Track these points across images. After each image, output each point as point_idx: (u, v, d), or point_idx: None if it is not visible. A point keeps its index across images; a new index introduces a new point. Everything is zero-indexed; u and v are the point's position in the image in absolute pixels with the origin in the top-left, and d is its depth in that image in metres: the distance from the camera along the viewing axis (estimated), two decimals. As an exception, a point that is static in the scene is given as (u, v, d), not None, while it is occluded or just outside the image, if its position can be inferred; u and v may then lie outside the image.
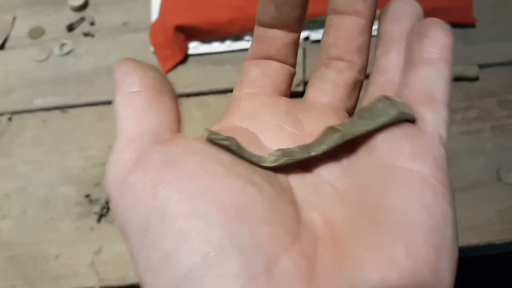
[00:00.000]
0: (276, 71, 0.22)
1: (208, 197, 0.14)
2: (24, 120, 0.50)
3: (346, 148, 0.18)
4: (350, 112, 0.22)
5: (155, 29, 0.53)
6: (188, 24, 0.52)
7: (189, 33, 0.52)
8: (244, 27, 0.52)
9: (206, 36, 0.53)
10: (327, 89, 0.21)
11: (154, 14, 0.55)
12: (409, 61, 0.19)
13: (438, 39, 0.19)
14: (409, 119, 0.18)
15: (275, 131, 0.19)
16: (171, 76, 0.51)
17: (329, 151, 0.18)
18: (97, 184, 0.45)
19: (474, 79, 0.49)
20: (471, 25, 0.52)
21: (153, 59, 0.53)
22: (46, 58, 0.54)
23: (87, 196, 0.45)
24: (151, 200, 0.15)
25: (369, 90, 0.21)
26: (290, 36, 0.21)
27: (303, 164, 0.18)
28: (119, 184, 0.16)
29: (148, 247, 0.14)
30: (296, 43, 0.22)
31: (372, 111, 0.18)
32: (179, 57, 0.52)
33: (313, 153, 0.18)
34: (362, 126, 0.18)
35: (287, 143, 0.19)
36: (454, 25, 0.50)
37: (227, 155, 0.17)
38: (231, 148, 0.17)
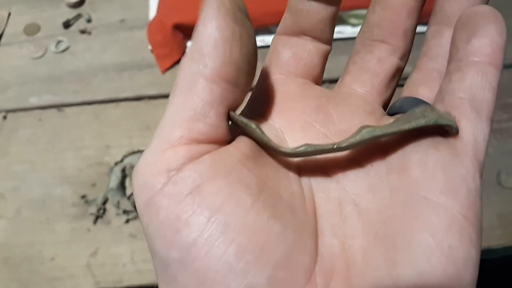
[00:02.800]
0: (309, 53, 0.20)
1: (229, 236, 0.14)
2: (19, 119, 0.50)
3: (375, 158, 0.17)
4: (386, 103, 0.21)
5: (153, 27, 0.53)
6: (186, 22, 0.51)
7: (188, 31, 0.52)
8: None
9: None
10: (366, 79, 0.20)
11: (152, 12, 0.54)
12: (454, 60, 0.18)
13: (488, 40, 0.17)
14: (449, 126, 0.17)
15: (303, 129, 0.18)
16: (169, 75, 0.51)
17: (356, 147, 0.17)
18: (93, 185, 0.45)
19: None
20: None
21: (150, 58, 0.52)
22: (42, 55, 0.54)
23: (83, 196, 0.44)
24: (173, 233, 0.14)
25: (413, 77, 0.20)
26: (328, 10, 0.19)
27: (328, 169, 0.17)
28: (145, 200, 0.15)
29: (170, 278, 0.14)
30: (334, 18, 0.20)
31: (409, 115, 0.17)
32: (177, 56, 0.51)
33: (335, 146, 0.16)
34: (396, 126, 0.17)
35: (314, 143, 0.17)
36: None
37: (256, 177, 0.16)
38: (250, 130, 0.16)
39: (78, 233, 0.43)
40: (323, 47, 0.20)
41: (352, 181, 0.17)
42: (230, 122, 0.16)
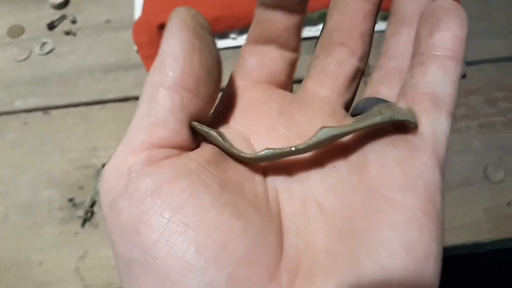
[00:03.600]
0: (274, 60, 0.20)
1: (189, 236, 0.14)
2: (4, 122, 0.49)
3: (337, 159, 0.18)
4: (348, 104, 0.21)
5: (139, 27, 0.52)
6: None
7: (173, 31, 0.51)
8: (230, 25, 0.51)
9: (190, 34, 0.52)
10: (327, 82, 0.20)
11: (137, 12, 0.54)
12: (417, 54, 0.18)
13: (450, 33, 0.17)
14: (405, 121, 0.17)
15: (268, 133, 0.19)
16: (156, 75, 0.50)
17: (315, 148, 0.17)
18: (81, 188, 0.45)
19: (461, 76, 0.49)
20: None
21: (136, 58, 0.52)
22: (26, 57, 0.53)
23: (71, 200, 0.44)
24: (134, 234, 0.14)
25: (374, 77, 0.20)
26: (292, 18, 0.20)
27: (292, 171, 0.18)
28: (109, 203, 0.15)
29: (132, 280, 0.15)
30: (299, 27, 0.20)
31: (366, 114, 0.18)
32: (163, 56, 0.51)
33: (294, 148, 0.17)
34: (353, 126, 0.17)
35: (279, 146, 0.18)
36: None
37: (217, 178, 0.16)
38: (212, 138, 0.17)
39: (66, 236, 0.42)
40: (289, 54, 0.21)
41: (315, 182, 0.18)
42: (194, 133, 0.17)
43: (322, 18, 0.51)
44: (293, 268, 0.15)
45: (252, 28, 0.20)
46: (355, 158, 0.18)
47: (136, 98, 0.49)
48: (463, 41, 0.17)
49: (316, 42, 0.21)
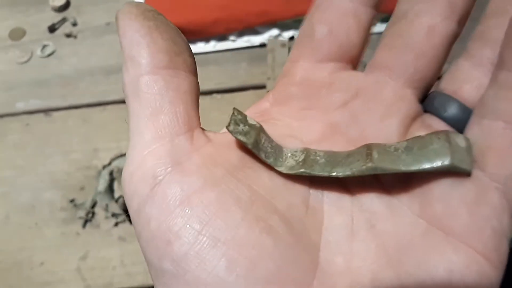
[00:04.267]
0: (348, 28, 0.17)
1: (220, 250, 0.14)
2: (6, 124, 0.50)
3: (398, 180, 0.16)
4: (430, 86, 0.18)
5: (139, 29, 0.53)
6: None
7: (173, 33, 0.52)
8: (229, 27, 0.51)
9: (190, 36, 0.52)
10: (408, 62, 0.17)
11: (138, 14, 0.54)
12: (508, 66, 0.15)
13: None
14: (461, 173, 0.15)
15: (324, 130, 0.17)
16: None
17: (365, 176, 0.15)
18: (82, 188, 0.45)
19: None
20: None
21: (137, 60, 0.52)
22: (28, 60, 0.53)
23: (72, 200, 0.44)
24: (164, 244, 0.14)
25: (460, 64, 0.17)
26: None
27: (345, 181, 0.16)
28: (136, 208, 0.15)
29: (163, 285, 0.14)
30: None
31: (423, 147, 0.15)
32: (163, 58, 0.51)
33: (333, 174, 0.16)
34: (400, 164, 0.15)
35: (330, 146, 0.17)
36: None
37: (247, 188, 0.15)
38: (247, 146, 0.16)
39: (68, 237, 0.43)
40: (366, 14, 0.18)
41: (370, 197, 0.16)
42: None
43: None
44: (329, 287, 0.14)
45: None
46: (417, 186, 0.16)
47: (137, 100, 0.50)
48: None
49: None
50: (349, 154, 0.16)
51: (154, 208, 0.14)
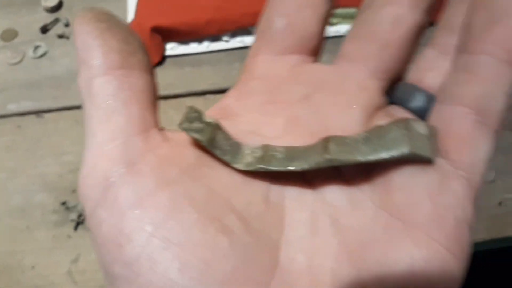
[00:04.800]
0: (308, 19, 0.17)
1: (173, 252, 0.13)
2: (-3, 126, 0.49)
3: (359, 171, 0.16)
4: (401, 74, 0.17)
5: (131, 30, 0.52)
6: (164, 25, 0.51)
7: (166, 34, 0.51)
8: (222, 28, 0.51)
9: (183, 37, 0.52)
10: (371, 54, 0.16)
11: (130, 15, 0.54)
12: (464, 50, 0.15)
13: None
14: (423, 161, 0.15)
15: (286, 124, 0.17)
16: (149, 78, 0.50)
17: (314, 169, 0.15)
18: (74, 191, 0.45)
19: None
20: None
21: (129, 61, 0.52)
22: (20, 61, 0.53)
23: (64, 203, 0.44)
24: (116, 247, 0.14)
25: (426, 54, 0.17)
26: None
27: (307, 175, 0.16)
28: (89, 212, 0.15)
29: None
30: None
31: (381, 136, 0.15)
32: (156, 59, 0.51)
33: (290, 168, 0.15)
34: (358, 155, 0.15)
35: (292, 140, 0.16)
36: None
37: (204, 187, 0.15)
38: (202, 144, 0.15)
39: (59, 240, 0.42)
40: (325, 8, 0.17)
41: (333, 192, 0.16)
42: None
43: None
44: (288, 286, 0.14)
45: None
46: (378, 175, 0.15)
47: (129, 101, 0.49)
48: None
49: None
50: (307, 148, 0.16)
51: (106, 211, 0.14)
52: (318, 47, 0.18)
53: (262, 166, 0.15)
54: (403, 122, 0.15)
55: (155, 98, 0.16)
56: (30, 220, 0.43)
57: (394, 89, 0.18)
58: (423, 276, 0.14)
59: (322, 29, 0.18)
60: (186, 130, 0.15)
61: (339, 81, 0.17)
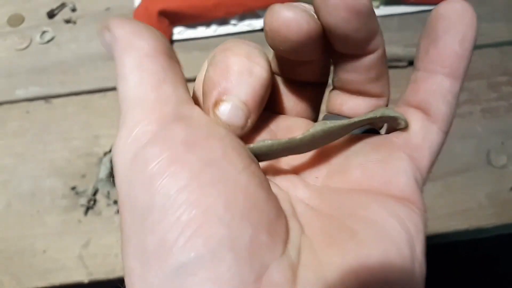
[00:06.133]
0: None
1: (220, 189, 0.14)
2: (6, 111, 0.49)
3: (319, 169, 0.19)
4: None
5: (138, 14, 0.52)
6: (172, 8, 0.50)
7: (173, 18, 0.51)
8: (230, 11, 0.51)
9: (191, 20, 0.51)
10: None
11: (137, -1, 0.54)
12: (415, 70, 0.18)
13: (447, 49, 0.17)
14: (395, 118, 0.17)
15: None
16: (156, 63, 0.50)
17: (311, 142, 0.17)
18: (83, 176, 0.45)
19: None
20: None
21: (137, 46, 0.51)
22: (27, 46, 0.53)
23: (73, 188, 0.44)
24: (161, 179, 0.14)
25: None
26: None
27: (278, 180, 0.18)
28: (130, 157, 0.14)
29: (146, 231, 0.14)
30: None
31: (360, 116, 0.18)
32: (163, 43, 0.50)
33: (290, 140, 0.17)
34: (348, 120, 0.18)
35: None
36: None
37: (246, 150, 0.16)
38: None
39: (69, 224, 0.42)
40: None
41: (300, 190, 0.18)
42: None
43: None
44: (297, 245, 0.15)
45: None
46: (337, 163, 0.18)
47: (137, 86, 0.49)
48: (463, 57, 0.17)
49: None
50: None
51: (155, 148, 0.14)
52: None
53: (266, 140, 0.17)
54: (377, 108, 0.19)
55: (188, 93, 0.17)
56: (40, 205, 0.44)
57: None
58: (384, 221, 0.15)
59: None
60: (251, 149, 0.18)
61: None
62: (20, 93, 0.50)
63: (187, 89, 0.16)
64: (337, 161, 0.19)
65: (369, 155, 0.18)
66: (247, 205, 0.14)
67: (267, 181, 0.16)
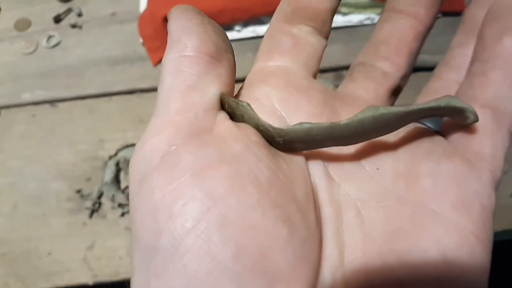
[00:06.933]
0: (311, 44, 0.18)
1: (229, 233, 0.12)
2: (13, 115, 0.50)
3: (382, 161, 0.16)
4: None
5: (144, 20, 0.52)
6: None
7: (179, 23, 0.51)
8: (235, 17, 0.51)
9: (195, 26, 0.52)
10: (371, 87, 0.19)
11: (143, 5, 0.54)
12: (479, 59, 0.16)
13: None
14: (464, 110, 0.15)
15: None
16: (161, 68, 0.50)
17: (358, 129, 0.15)
18: (88, 179, 0.45)
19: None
20: (462, 13, 0.51)
21: (142, 51, 0.52)
22: (34, 50, 0.53)
23: (79, 191, 0.45)
24: (166, 217, 0.13)
25: (431, 86, 0.19)
26: (331, 1, 0.18)
27: (330, 167, 0.16)
28: (139, 177, 0.13)
29: (151, 273, 0.13)
30: (334, 12, 0.18)
31: (420, 104, 0.15)
32: (168, 49, 0.51)
33: (333, 124, 0.14)
34: (404, 108, 0.15)
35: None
36: (445, 13, 0.49)
37: (267, 168, 0.14)
38: (242, 110, 0.15)
39: (74, 227, 0.43)
40: (323, 41, 0.19)
41: (355, 185, 0.16)
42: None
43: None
44: (329, 284, 0.14)
45: (283, 5, 0.18)
46: (403, 164, 0.16)
47: (142, 91, 0.50)
48: None
49: (360, 52, 0.21)
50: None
51: (162, 177, 0.13)
52: (316, 74, 0.19)
53: (304, 123, 0.15)
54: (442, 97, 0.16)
55: (232, 94, 0.16)
56: (46, 207, 0.44)
57: None
58: (454, 264, 0.13)
59: (320, 59, 0.19)
60: (224, 99, 0.15)
61: (350, 98, 0.19)
62: (27, 97, 0.51)
63: (224, 92, 0.15)
64: (403, 156, 0.16)
65: (442, 163, 0.15)
66: (259, 252, 0.12)
67: (296, 204, 0.14)
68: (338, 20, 0.51)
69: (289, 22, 0.18)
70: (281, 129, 0.15)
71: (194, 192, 0.13)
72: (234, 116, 0.16)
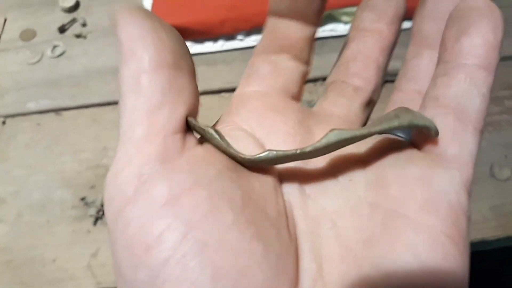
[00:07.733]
0: (289, 69, 0.19)
1: (207, 257, 0.12)
2: (18, 124, 0.50)
3: (351, 171, 0.16)
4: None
5: (148, 29, 0.53)
6: (180, 24, 0.51)
7: (181, 33, 0.51)
8: (237, 27, 0.52)
9: (198, 36, 0.53)
10: (344, 103, 0.19)
11: (146, 15, 0.55)
12: (442, 61, 0.17)
13: (480, 38, 0.15)
14: (426, 127, 0.15)
15: (285, 140, 0.17)
16: (165, 77, 0.51)
17: (324, 153, 0.15)
18: (92, 187, 0.45)
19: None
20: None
21: (146, 60, 0.53)
22: (38, 60, 0.54)
23: (83, 199, 0.45)
24: (142, 250, 0.12)
25: (393, 98, 0.20)
26: (307, 30, 0.18)
27: (304, 184, 0.16)
28: (115, 212, 0.13)
29: None
30: (312, 39, 0.19)
31: (382, 117, 0.16)
32: (172, 58, 0.52)
33: (298, 151, 0.15)
34: (367, 128, 0.15)
35: None
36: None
37: (240, 190, 0.14)
38: (208, 137, 0.15)
39: (79, 234, 0.43)
40: (302, 67, 0.19)
41: (329, 198, 0.16)
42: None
43: (328, 19, 0.52)
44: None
45: (263, 37, 0.19)
46: (372, 172, 0.16)
47: (146, 99, 0.50)
48: (496, 47, 0.15)
49: (331, 70, 0.21)
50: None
51: (136, 210, 0.13)
52: (297, 96, 0.20)
53: (270, 151, 0.15)
54: (400, 107, 0.16)
55: (197, 103, 0.15)
56: (50, 215, 0.44)
57: None
58: (428, 265, 0.13)
59: (302, 83, 0.20)
60: (191, 123, 0.15)
61: (324, 116, 0.19)
62: (32, 106, 0.51)
63: (190, 106, 0.15)
64: (373, 165, 0.16)
65: (407, 168, 0.16)
66: (236, 271, 0.12)
67: (269, 221, 0.14)
68: (340, 28, 0.52)
69: (268, 53, 0.19)
70: (248, 158, 0.15)
71: (169, 220, 0.13)
72: (202, 138, 0.16)
